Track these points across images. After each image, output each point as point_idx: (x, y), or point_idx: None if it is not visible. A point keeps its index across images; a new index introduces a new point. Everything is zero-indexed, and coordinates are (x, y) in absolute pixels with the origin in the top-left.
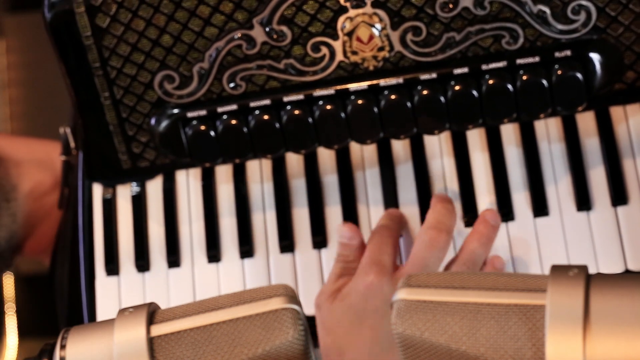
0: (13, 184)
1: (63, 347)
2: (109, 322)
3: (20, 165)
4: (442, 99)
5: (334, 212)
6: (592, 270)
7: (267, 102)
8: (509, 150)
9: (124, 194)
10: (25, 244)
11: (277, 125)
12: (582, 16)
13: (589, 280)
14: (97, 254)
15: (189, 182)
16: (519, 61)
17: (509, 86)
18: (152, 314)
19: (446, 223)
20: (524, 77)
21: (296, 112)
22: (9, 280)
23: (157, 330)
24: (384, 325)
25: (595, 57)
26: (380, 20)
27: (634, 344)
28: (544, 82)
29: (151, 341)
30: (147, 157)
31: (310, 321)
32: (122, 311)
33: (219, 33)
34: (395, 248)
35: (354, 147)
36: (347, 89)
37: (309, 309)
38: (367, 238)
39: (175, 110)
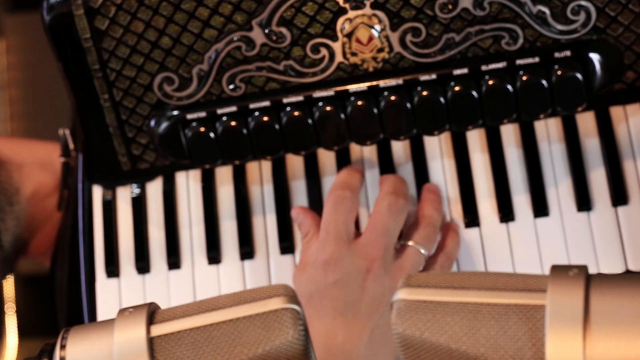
0: (16, 187)
1: (63, 347)
2: (109, 322)
3: (22, 168)
4: (442, 100)
5: None
6: (592, 271)
7: (266, 103)
8: (509, 150)
9: (124, 195)
10: (29, 246)
11: (277, 126)
12: (582, 16)
13: (589, 280)
14: (97, 256)
15: (188, 183)
16: (519, 62)
17: (509, 87)
18: (152, 314)
19: (402, 189)
20: (524, 78)
21: (296, 113)
22: (9, 281)
23: (157, 330)
24: (345, 295)
25: (595, 57)
26: (380, 21)
27: (634, 344)
28: (544, 82)
29: (151, 341)
30: (146, 158)
31: None
32: (122, 311)
33: (218, 35)
34: (353, 210)
35: (354, 148)
36: (347, 90)
37: None
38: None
39: (175, 112)
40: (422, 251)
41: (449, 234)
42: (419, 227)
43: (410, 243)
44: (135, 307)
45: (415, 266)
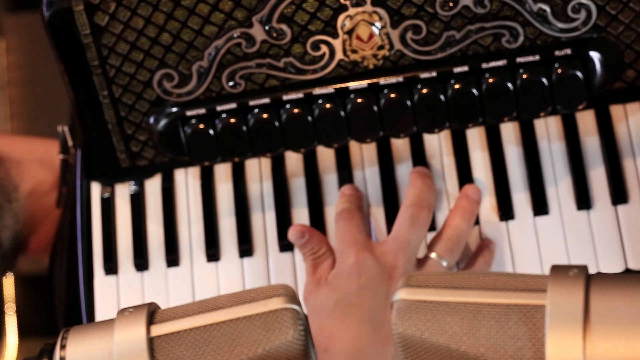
0: (14, 184)
1: (63, 347)
2: (109, 322)
3: (21, 164)
4: (442, 97)
5: (333, 211)
6: (592, 269)
7: (266, 100)
8: (509, 149)
9: (123, 192)
10: (29, 244)
11: (277, 124)
12: (583, 15)
13: (589, 280)
14: (96, 253)
15: (187, 181)
16: (519, 60)
17: (509, 85)
18: (152, 314)
19: (426, 199)
20: (524, 76)
21: (295, 110)
22: (9, 280)
23: (157, 330)
24: (373, 301)
25: (595, 55)
26: (380, 18)
27: (634, 344)
28: (544, 80)
29: (151, 341)
30: (145, 155)
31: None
32: (122, 311)
33: (218, 31)
34: (363, 225)
35: (354, 146)
36: (347, 87)
37: None
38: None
39: (174, 109)
40: (444, 264)
41: (483, 252)
42: (442, 237)
43: (432, 255)
44: (135, 307)
45: None
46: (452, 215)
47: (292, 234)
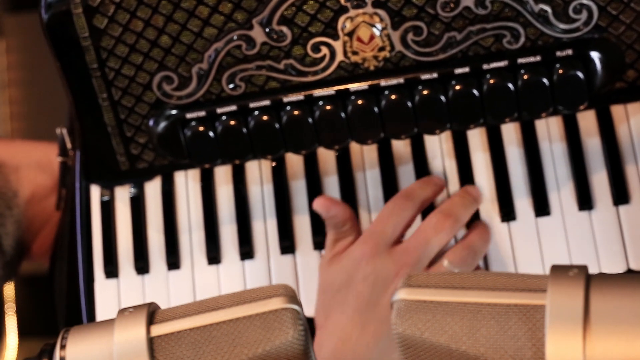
0: (14, 190)
1: (63, 347)
2: (109, 322)
3: (19, 170)
4: (443, 98)
5: None
6: (594, 270)
7: (266, 102)
8: (510, 150)
9: (122, 195)
10: (31, 248)
11: (277, 125)
12: (584, 15)
13: (589, 280)
14: (96, 256)
15: (187, 183)
16: (520, 60)
17: (510, 85)
18: (152, 313)
19: (455, 211)
20: (525, 77)
21: (296, 112)
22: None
23: (157, 330)
24: (369, 295)
25: (596, 56)
26: (381, 20)
27: (634, 344)
28: (545, 81)
29: (151, 341)
30: (145, 158)
31: (310, 321)
32: (122, 311)
33: (218, 34)
34: (408, 220)
35: (355, 147)
36: (348, 89)
37: (309, 310)
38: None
39: (174, 112)
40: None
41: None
42: (459, 247)
43: (444, 263)
44: (135, 307)
45: None
46: (469, 232)
47: (317, 206)
